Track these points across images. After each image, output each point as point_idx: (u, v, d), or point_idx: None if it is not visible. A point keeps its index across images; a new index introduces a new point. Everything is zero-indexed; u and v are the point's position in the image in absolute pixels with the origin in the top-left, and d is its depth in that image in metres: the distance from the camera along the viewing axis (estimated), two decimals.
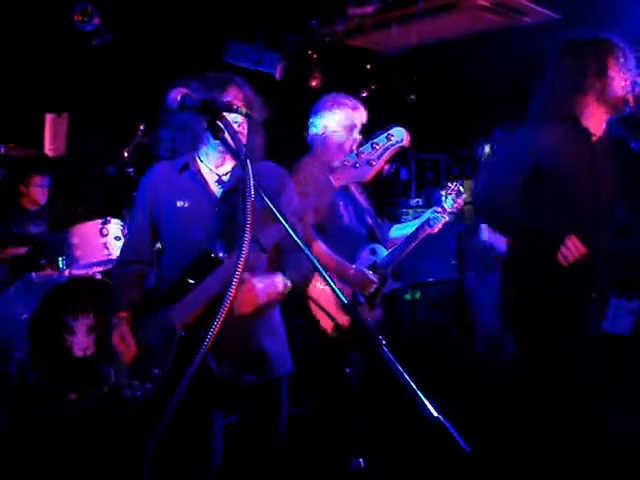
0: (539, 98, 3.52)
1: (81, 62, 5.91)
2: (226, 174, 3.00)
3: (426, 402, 1.80)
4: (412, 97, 8.28)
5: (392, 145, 2.56)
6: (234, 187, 2.94)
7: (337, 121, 4.16)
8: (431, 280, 8.57)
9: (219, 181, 3.00)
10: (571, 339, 3.38)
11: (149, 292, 3.10)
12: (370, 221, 4.36)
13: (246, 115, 2.10)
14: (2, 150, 6.13)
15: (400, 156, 9.85)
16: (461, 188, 4.56)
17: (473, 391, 6.28)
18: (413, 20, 6.49)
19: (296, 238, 2.06)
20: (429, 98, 8.46)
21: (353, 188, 4.38)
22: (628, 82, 3.41)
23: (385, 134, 2.57)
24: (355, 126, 4.17)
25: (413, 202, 9.38)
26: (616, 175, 3.52)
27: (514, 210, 3.42)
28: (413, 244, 4.37)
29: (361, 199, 4.43)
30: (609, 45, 3.42)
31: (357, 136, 4.18)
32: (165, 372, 2.78)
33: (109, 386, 3.74)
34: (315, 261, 2.02)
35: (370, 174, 2.57)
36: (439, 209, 4.43)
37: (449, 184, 4.57)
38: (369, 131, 4.99)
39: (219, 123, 2.26)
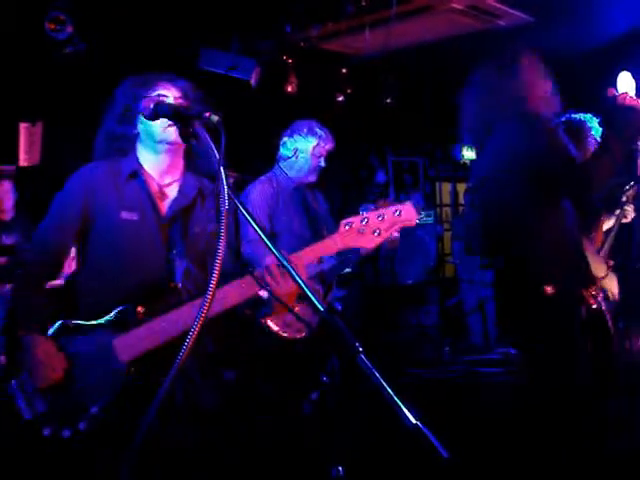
0: (469, 116, 3.59)
1: (55, 71, 5.87)
2: (169, 185, 2.89)
3: (404, 409, 1.78)
4: (388, 100, 8.28)
5: (401, 222, 2.59)
6: (185, 207, 2.86)
7: (308, 148, 4.62)
8: (410, 283, 8.58)
9: (162, 192, 2.86)
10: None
11: (70, 307, 2.79)
12: (322, 227, 4.52)
13: (217, 122, 2.07)
14: None
15: (377, 158, 9.89)
16: (419, 204, 4.77)
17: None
18: (388, 24, 6.49)
19: (274, 250, 2.05)
20: (405, 101, 8.47)
21: (308, 194, 4.74)
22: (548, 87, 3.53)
23: (396, 208, 2.59)
24: (322, 155, 4.64)
25: None
26: None
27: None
28: (359, 257, 4.52)
29: (314, 205, 4.74)
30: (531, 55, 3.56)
31: (322, 164, 4.66)
32: (105, 413, 2.56)
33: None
34: (292, 271, 2.01)
35: (373, 246, 2.60)
36: None
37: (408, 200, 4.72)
38: (345, 139, 5.03)
39: (194, 130, 2.19)
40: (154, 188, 2.85)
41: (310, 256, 2.65)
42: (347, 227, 2.60)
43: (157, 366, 2.58)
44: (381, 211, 2.60)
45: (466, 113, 3.63)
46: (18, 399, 2.60)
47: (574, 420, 3.29)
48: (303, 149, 4.63)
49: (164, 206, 2.85)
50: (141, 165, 2.86)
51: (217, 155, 2.03)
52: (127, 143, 2.86)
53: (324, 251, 2.67)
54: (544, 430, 3.31)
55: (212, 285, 1.93)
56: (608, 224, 4.25)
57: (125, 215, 2.76)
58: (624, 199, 4.21)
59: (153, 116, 2.40)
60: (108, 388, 2.58)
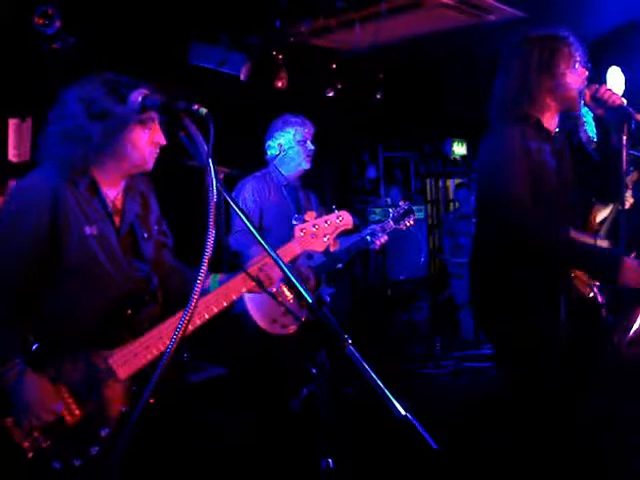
0: (495, 101, 3.51)
1: (43, 66, 5.85)
2: (116, 196, 2.77)
3: (394, 401, 1.79)
4: (378, 96, 8.28)
5: (342, 226, 2.97)
6: (132, 224, 2.78)
7: (290, 139, 4.77)
8: (402, 278, 8.58)
9: (112, 205, 2.74)
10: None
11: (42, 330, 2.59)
12: None
13: (206, 115, 2.06)
14: None
15: (368, 154, 9.90)
16: (410, 207, 4.91)
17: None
18: (378, 19, 6.49)
19: (264, 243, 2.05)
20: (395, 96, 8.47)
21: (301, 194, 4.88)
22: (582, 78, 3.39)
23: (337, 215, 2.96)
24: (306, 139, 4.78)
25: (383, 201, 9.41)
26: (572, 169, 3.55)
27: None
28: (350, 255, 4.72)
29: (307, 204, 4.87)
30: (558, 41, 3.38)
31: (311, 147, 4.79)
32: (116, 431, 2.54)
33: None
34: (281, 263, 2.01)
35: (323, 248, 2.91)
36: (378, 227, 4.78)
37: (400, 203, 4.94)
38: (336, 134, 5.05)
39: (182, 123, 2.14)
40: (109, 201, 2.73)
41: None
42: (302, 233, 2.85)
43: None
44: (325, 217, 2.91)
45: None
46: (17, 437, 2.48)
47: (548, 418, 3.28)
48: (286, 142, 4.78)
49: (117, 219, 2.75)
50: (94, 176, 2.69)
51: (206, 148, 2.03)
52: (86, 146, 2.60)
53: (287, 255, 2.83)
54: (524, 427, 3.32)
55: (197, 286, 1.93)
56: (602, 214, 4.22)
57: (88, 230, 2.62)
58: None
59: (141, 109, 2.39)
60: (113, 408, 2.56)
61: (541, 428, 3.27)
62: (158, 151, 2.73)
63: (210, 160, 1.99)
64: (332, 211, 2.95)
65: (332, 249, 4.25)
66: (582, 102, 3.40)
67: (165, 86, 2.55)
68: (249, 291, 2.78)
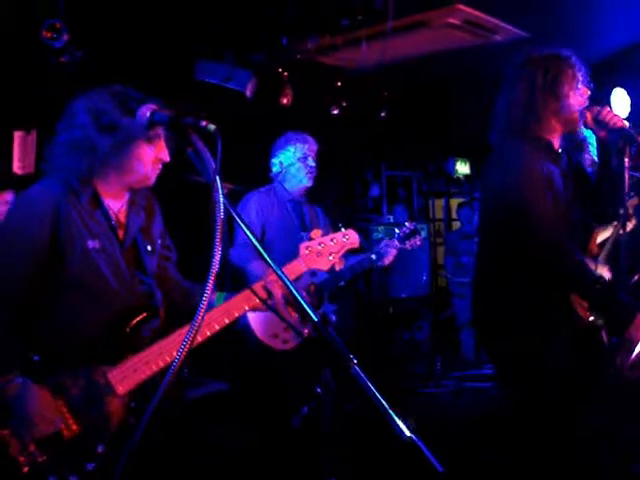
0: (498, 120, 3.50)
1: (50, 79, 5.86)
2: (119, 209, 2.76)
3: (399, 422, 1.77)
4: (382, 114, 8.30)
5: (349, 244, 2.98)
6: (135, 238, 2.77)
7: (290, 157, 4.80)
8: (404, 296, 8.57)
9: (115, 218, 2.73)
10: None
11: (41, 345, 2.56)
12: None
13: (214, 131, 2.05)
14: None
15: (372, 172, 9.91)
16: (417, 227, 4.95)
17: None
18: (384, 38, 6.50)
19: (268, 258, 2.04)
20: (399, 115, 8.49)
21: (306, 209, 4.90)
22: (583, 98, 3.38)
23: (344, 234, 2.97)
24: (307, 156, 4.78)
25: (385, 219, 9.42)
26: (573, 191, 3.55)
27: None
28: (354, 274, 4.72)
29: (313, 219, 4.88)
30: (561, 61, 3.38)
31: (312, 164, 4.80)
32: (112, 448, 2.50)
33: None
34: (287, 280, 2.00)
35: (328, 267, 2.92)
36: (384, 247, 4.80)
37: (407, 224, 4.97)
38: (340, 152, 5.07)
39: (190, 139, 2.12)
40: (113, 214, 2.73)
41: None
42: (307, 251, 2.86)
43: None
44: (331, 236, 2.92)
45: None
46: (13, 451, 2.44)
47: (549, 437, 3.26)
48: (286, 159, 4.82)
49: (121, 232, 2.74)
50: (97, 188, 2.68)
51: (213, 164, 2.02)
52: (92, 157, 2.60)
53: (292, 273, 2.83)
54: (526, 446, 3.30)
55: (204, 302, 1.92)
56: (603, 236, 4.21)
57: (91, 244, 2.60)
58: (622, 211, 4.17)
59: (149, 124, 2.39)
60: (111, 424, 2.53)
61: (542, 447, 3.25)
62: (161, 167, 2.73)
63: (217, 176, 1.99)
64: (339, 229, 2.95)
65: (337, 268, 4.28)
66: (582, 123, 3.40)
67: (172, 101, 2.54)
68: (252, 308, 2.77)
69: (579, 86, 3.38)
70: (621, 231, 3.94)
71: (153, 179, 2.74)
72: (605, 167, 3.41)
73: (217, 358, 4.76)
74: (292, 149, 4.79)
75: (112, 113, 2.59)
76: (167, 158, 2.70)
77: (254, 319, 4.48)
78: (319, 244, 2.86)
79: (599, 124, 3.34)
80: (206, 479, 2.86)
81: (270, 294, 2.76)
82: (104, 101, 2.62)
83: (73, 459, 2.46)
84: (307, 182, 4.80)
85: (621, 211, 3.80)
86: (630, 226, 4.19)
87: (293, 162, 4.78)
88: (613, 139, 3.32)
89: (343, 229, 2.95)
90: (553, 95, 3.34)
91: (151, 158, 2.67)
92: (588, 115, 3.36)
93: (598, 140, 3.66)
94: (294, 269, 2.84)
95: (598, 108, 3.34)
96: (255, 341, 4.47)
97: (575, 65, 3.39)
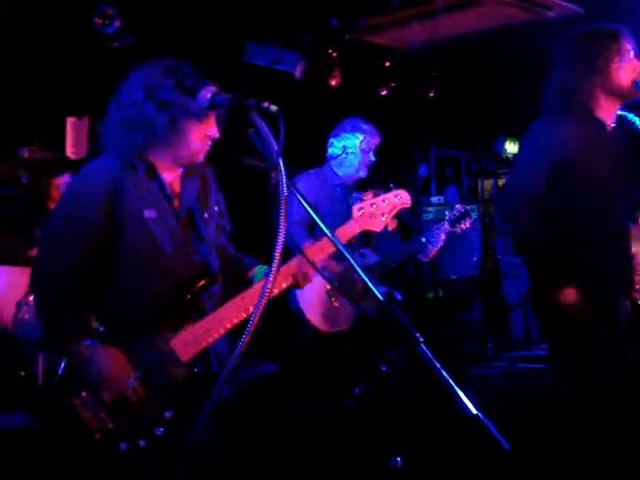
0: (550, 93, 3.50)
1: (101, 64, 5.93)
2: (173, 180, 2.77)
3: (465, 399, 1.78)
4: (431, 93, 8.23)
5: (401, 204, 2.90)
6: (191, 207, 2.78)
7: (355, 144, 4.75)
8: (454, 278, 8.53)
9: (170, 188, 2.75)
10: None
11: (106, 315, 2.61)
12: None
13: (277, 113, 2.06)
14: (25, 154, 6.13)
15: (420, 152, 9.85)
16: (467, 209, 4.85)
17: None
18: (434, 16, 6.44)
19: (327, 232, 2.05)
20: (448, 95, 8.41)
21: (356, 195, 4.77)
22: (636, 72, 3.37)
23: (395, 193, 2.90)
24: (370, 149, 4.77)
25: (434, 199, 9.35)
26: (631, 162, 3.50)
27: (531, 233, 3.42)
28: (404, 256, 4.82)
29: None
30: (613, 36, 3.39)
31: (373, 158, 4.80)
32: (179, 413, 2.54)
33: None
34: (352, 260, 2.02)
35: (381, 228, 2.87)
36: (435, 231, 4.78)
37: (457, 206, 4.89)
38: (388, 132, 5.05)
39: (252, 120, 2.12)
40: (168, 185, 2.75)
41: (340, 237, 2.76)
42: (360, 212, 2.83)
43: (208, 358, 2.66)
44: (383, 196, 2.87)
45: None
46: (84, 417, 2.49)
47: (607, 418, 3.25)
48: (351, 146, 4.75)
49: (176, 202, 2.75)
50: (153, 162, 2.71)
51: (276, 146, 2.03)
52: (147, 133, 2.63)
53: (346, 235, 2.81)
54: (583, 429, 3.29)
55: (274, 269, 1.94)
56: None
57: (147, 214, 2.63)
58: None
59: (211, 106, 2.40)
60: (177, 391, 2.58)
61: (599, 429, 3.24)
62: (210, 144, 2.74)
63: (280, 157, 2.00)
64: (390, 190, 2.91)
65: (390, 228, 4.25)
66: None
67: (225, 83, 2.58)
68: (290, 287, 2.77)
69: (631, 60, 3.37)
70: None
71: (202, 155, 2.75)
72: None
73: (267, 340, 4.80)
74: (360, 137, 4.75)
75: (170, 91, 2.60)
76: (217, 135, 2.71)
77: (304, 302, 4.49)
78: (371, 205, 2.84)
79: None
80: (256, 460, 2.89)
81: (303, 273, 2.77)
82: (159, 76, 2.64)
83: (142, 424, 2.51)
84: (362, 174, 4.79)
85: None
86: None
87: (356, 151, 4.75)
88: None
89: (394, 189, 2.92)
90: (604, 69, 3.36)
91: (201, 135, 2.68)
92: None
93: None
94: (348, 231, 2.82)
95: None
96: (306, 324, 4.48)
97: (626, 39, 3.41)
